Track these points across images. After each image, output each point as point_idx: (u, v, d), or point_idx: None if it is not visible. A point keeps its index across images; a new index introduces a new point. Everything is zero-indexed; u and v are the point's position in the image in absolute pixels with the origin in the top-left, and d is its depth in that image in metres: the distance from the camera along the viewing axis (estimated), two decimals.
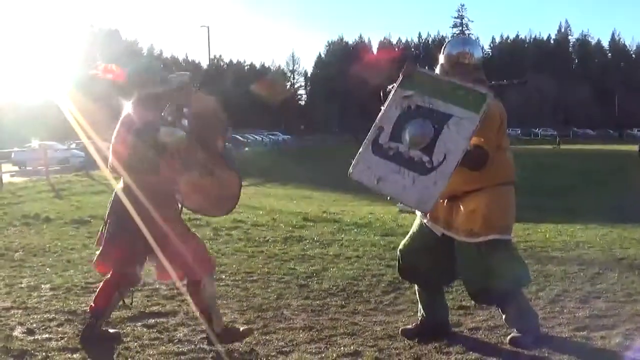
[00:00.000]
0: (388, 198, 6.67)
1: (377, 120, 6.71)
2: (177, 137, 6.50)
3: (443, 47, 7.04)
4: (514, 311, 6.82)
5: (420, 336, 6.94)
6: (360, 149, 6.62)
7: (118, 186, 6.71)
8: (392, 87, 6.81)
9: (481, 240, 6.53)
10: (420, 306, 7.25)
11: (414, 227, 7.16)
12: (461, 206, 6.60)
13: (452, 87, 6.51)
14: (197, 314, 6.88)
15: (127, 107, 6.67)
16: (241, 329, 6.99)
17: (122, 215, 6.54)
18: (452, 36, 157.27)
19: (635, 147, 72.11)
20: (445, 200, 6.69)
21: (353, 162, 6.66)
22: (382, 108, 6.77)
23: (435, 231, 6.82)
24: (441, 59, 6.97)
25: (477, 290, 6.75)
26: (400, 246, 7.24)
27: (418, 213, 7.07)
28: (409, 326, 7.23)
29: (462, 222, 6.60)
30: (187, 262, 6.60)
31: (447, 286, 7.77)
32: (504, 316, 6.99)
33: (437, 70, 6.96)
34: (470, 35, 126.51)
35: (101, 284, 6.89)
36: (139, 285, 7.60)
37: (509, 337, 6.80)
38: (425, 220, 6.92)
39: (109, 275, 6.83)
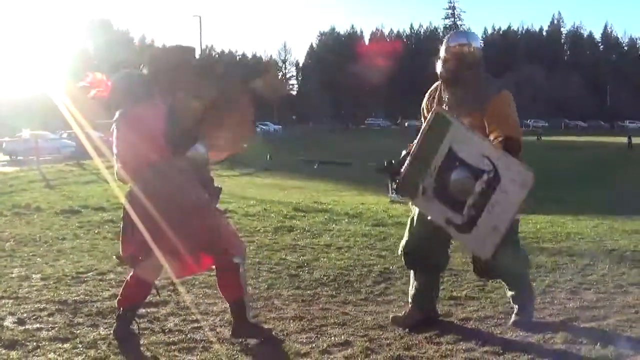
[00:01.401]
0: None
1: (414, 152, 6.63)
2: (204, 155, 6.53)
3: (444, 40, 7.06)
4: (519, 289, 7.03)
5: (409, 324, 6.97)
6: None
7: (130, 193, 6.48)
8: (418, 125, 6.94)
9: None
10: (410, 294, 7.29)
11: (413, 219, 7.15)
12: None
13: (496, 155, 6.31)
14: (230, 302, 6.69)
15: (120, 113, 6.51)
16: (265, 327, 6.88)
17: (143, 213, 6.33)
18: (444, 27, 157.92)
19: (624, 139, 72.53)
20: None
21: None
22: (416, 142, 6.69)
23: None
24: (442, 50, 6.97)
25: (484, 267, 6.91)
26: (403, 243, 7.22)
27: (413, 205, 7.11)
28: (399, 314, 7.27)
29: None
30: (220, 243, 6.50)
31: (444, 270, 7.71)
32: (510, 293, 7.13)
33: (439, 63, 6.95)
34: (463, 26, 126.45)
35: (129, 278, 6.68)
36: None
37: (511, 321, 6.94)
38: None
39: (134, 270, 6.62)
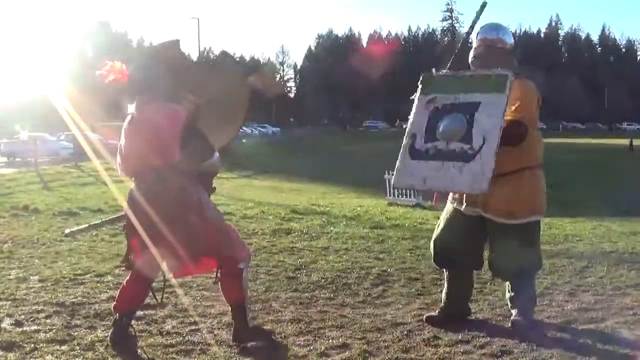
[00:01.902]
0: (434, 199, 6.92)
1: (407, 129, 6.96)
2: (218, 168, 6.58)
3: (476, 32, 7.28)
4: (524, 291, 6.99)
5: (443, 323, 7.05)
6: (398, 159, 6.88)
7: (135, 194, 6.39)
8: (414, 97, 7.07)
9: (521, 222, 6.78)
10: (443, 294, 7.38)
11: (446, 215, 7.32)
12: (501, 188, 6.65)
13: (470, 78, 6.88)
14: (232, 306, 6.62)
15: (135, 107, 6.46)
16: (265, 329, 6.85)
17: (141, 213, 6.28)
18: (442, 30, 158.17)
19: (622, 141, 72.67)
20: None
21: (394, 174, 7.06)
22: (409, 118, 7.01)
23: (471, 215, 7.00)
24: (475, 42, 7.24)
25: (505, 268, 6.96)
26: (434, 236, 7.36)
27: (450, 202, 7.30)
28: (433, 313, 7.34)
29: (504, 204, 6.78)
30: (227, 249, 6.45)
31: (480, 270, 7.77)
32: (510, 294, 7.12)
33: (471, 54, 7.22)
34: (461, 28, 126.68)
35: (125, 283, 6.63)
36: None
37: (511, 320, 6.93)
38: (462, 207, 7.05)
39: (132, 273, 6.59)
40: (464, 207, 7.03)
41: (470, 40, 7.51)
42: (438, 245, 7.27)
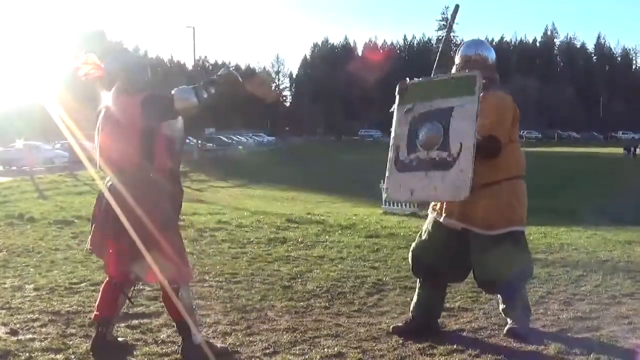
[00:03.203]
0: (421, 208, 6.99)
1: (391, 142, 7.08)
2: (190, 103, 6.18)
3: (458, 49, 7.38)
4: (515, 302, 7.02)
5: (410, 334, 7.02)
6: (387, 172, 7.04)
7: (106, 185, 6.42)
8: (393, 109, 7.18)
9: (500, 232, 6.77)
10: (413, 304, 7.35)
11: (427, 225, 7.34)
12: (479, 199, 6.69)
13: (443, 82, 6.94)
14: (175, 321, 6.58)
15: (109, 99, 6.42)
16: (218, 345, 6.66)
17: (113, 214, 6.25)
18: (438, 39, 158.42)
19: (617, 150, 72.92)
20: None
21: (385, 186, 7.26)
22: (391, 130, 7.12)
23: (450, 226, 7.02)
24: (456, 59, 7.30)
25: (488, 280, 6.96)
26: (413, 246, 7.40)
27: (431, 213, 7.33)
28: (399, 323, 7.32)
29: (482, 215, 6.80)
30: (170, 267, 6.30)
31: (461, 282, 7.82)
32: (502, 306, 7.15)
33: (453, 70, 7.27)
34: (456, 37, 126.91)
35: (101, 291, 6.63)
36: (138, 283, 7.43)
37: (506, 328, 6.97)
38: (441, 219, 7.08)
39: (107, 280, 6.60)
40: (442, 218, 7.06)
41: (452, 50, 7.60)
42: (415, 256, 7.31)
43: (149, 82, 6.61)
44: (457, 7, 7.62)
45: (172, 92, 6.21)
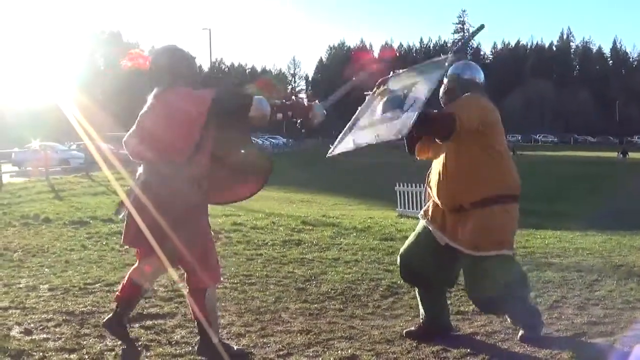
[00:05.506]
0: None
1: (355, 116, 7.31)
2: (265, 117, 6.21)
3: (446, 71, 7.24)
4: (517, 316, 7.04)
5: (422, 338, 7.00)
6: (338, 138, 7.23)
7: (138, 181, 6.31)
8: (367, 94, 7.34)
9: (486, 254, 6.66)
10: (421, 308, 7.33)
11: (417, 231, 7.33)
12: (468, 221, 6.70)
13: (418, 69, 7.10)
14: (196, 320, 6.53)
15: (161, 90, 6.34)
16: (235, 347, 6.67)
17: (145, 208, 6.15)
18: (454, 42, 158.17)
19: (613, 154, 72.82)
20: (452, 212, 6.85)
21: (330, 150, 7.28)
22: (358, 108, 7.31)
23: (439, 240, 6.98)
24: (445, 79, 7.22)
25: (480, 300, 6.92)
26: (402, 251, 7.39)
27: (421, 219, 7.31)
28: (412, 328, 7.31)
29: (469, 237, 6.72)
30: (200, 266, 6.28)
31: (449, 289, 7.84)
32: (509, 320, 7.17)
33: (442, 91, 7.25)
34: (472, 41, 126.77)
35: (128, 275, 6.54)
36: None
37: (519, 336, 6.95)
38: (431, 227, 7.07)
39: (135, 267, 6.57)
40: (432, 228, 7.06)
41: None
42: (402, 261, 7.31)
43: (197, 77, 6.73)
44: (482, 26, 7.58)
45: (253, 98, 6.22)
